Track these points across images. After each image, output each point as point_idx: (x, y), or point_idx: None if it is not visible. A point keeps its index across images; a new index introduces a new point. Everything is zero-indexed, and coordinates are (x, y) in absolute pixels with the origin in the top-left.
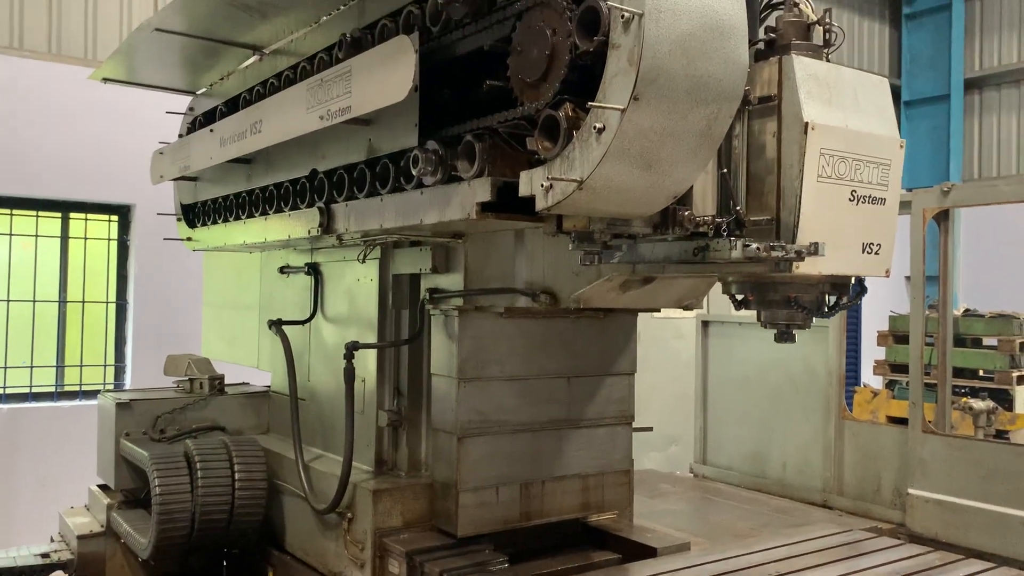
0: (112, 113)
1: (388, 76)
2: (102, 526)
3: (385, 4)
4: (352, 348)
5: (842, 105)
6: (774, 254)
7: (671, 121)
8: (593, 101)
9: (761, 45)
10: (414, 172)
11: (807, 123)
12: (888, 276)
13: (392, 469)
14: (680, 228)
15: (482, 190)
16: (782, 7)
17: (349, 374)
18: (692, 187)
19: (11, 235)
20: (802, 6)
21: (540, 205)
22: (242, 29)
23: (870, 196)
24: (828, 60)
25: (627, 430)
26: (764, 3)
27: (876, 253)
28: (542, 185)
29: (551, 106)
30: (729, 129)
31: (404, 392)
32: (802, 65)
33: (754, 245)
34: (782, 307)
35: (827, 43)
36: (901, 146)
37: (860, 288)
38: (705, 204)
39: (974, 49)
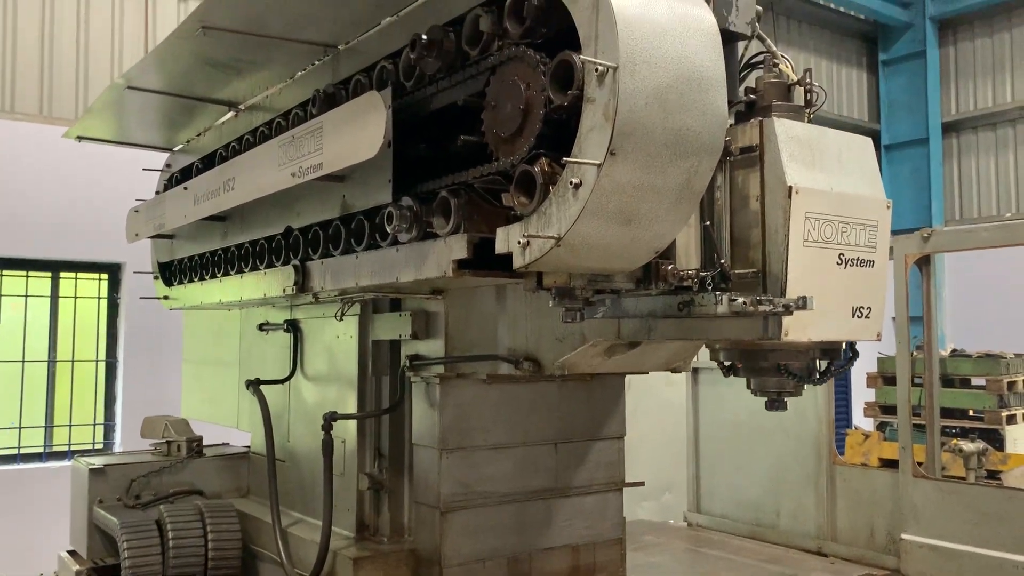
0: (101, 172)
1: (360, 132)
2: None
3: (358, 60)
4: (330, 419)
5: (826, 167)
6: (761, 308)
7: (650, 175)
8: (569, 156)
9: (742, 107)
10: (389, 229)
11: (791, 187)
12: (880, 339)
13: (374, 534)
14: (664, 283)
15: (458, 247)
16: (761, 66)
17: (327, 447)
18: (675, 240)
19: (0, 295)
20: (782, 66)
21: (518, 263)
22: (217, 86)
23: (858, 259)
24: (810, 120)
25: (618, 496)
26: (744, 62)
27: (867, 316)
28: (519, 242)
29: (527, 161)
30: (711, 181)
31: (386, 454)
32: (784, 127)
33: (740, 299)
34: (772, 375)
35: (808, 103)
36: (888, 207)
37: (852, 353)
38: (689, 257)
39: (950, 94)
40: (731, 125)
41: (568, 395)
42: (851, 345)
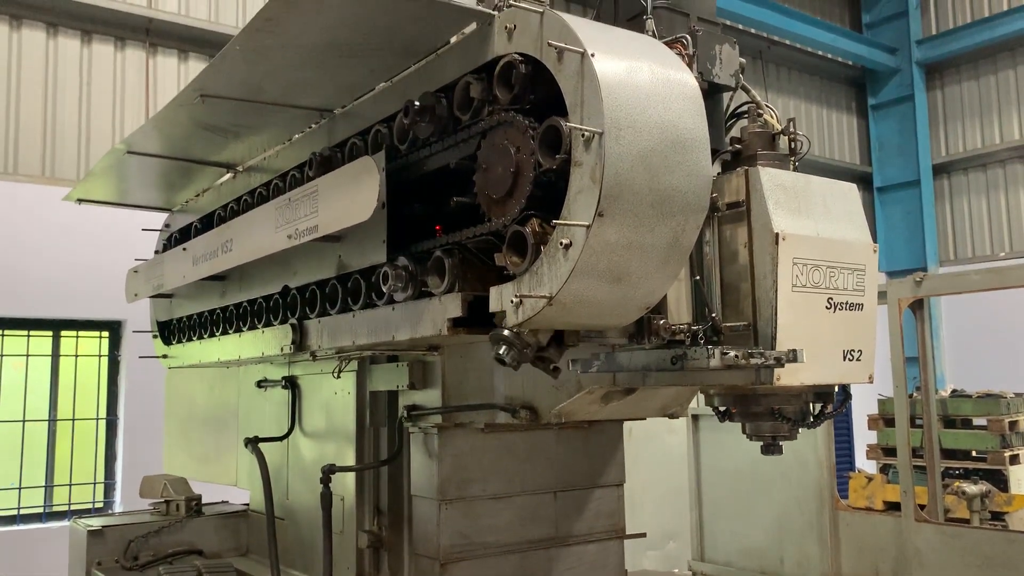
0: (102, 231)
1: (354, 195)
2: None
3: (353, 123)
4: (329, 471)
5: (812, 213)
6: (753, 361)
7: (638, 235)
8: (559, 218)
9: (728, 156)
10: (385, 288)
11: (777, 233)
12: (872, 382)
13: None
14: (656, 337)
15: (453, 306)
16: (746, 116)
17: (326, 500)
18: (666, 295)
19: (2, 355)
20: (767, 116)
21: (511, 321)
22: (215, 149)
23: (847, 302)
24: (795, 168)
25: (618, 545)
26: (729, 112)
27: (858, 359)
28: (512, 301)
29: (518, 222)
30: (700, 236)
31: (385, 511)
32: (769, 176)
33: (732, 353)
34: (766, 419)
35: (793, 152)
36: (874, 250)
37: (845, 395)
38: (680, 312)
39: (939, 136)
40: (717, 174)
41: (566, 443)
42: (844, 388)
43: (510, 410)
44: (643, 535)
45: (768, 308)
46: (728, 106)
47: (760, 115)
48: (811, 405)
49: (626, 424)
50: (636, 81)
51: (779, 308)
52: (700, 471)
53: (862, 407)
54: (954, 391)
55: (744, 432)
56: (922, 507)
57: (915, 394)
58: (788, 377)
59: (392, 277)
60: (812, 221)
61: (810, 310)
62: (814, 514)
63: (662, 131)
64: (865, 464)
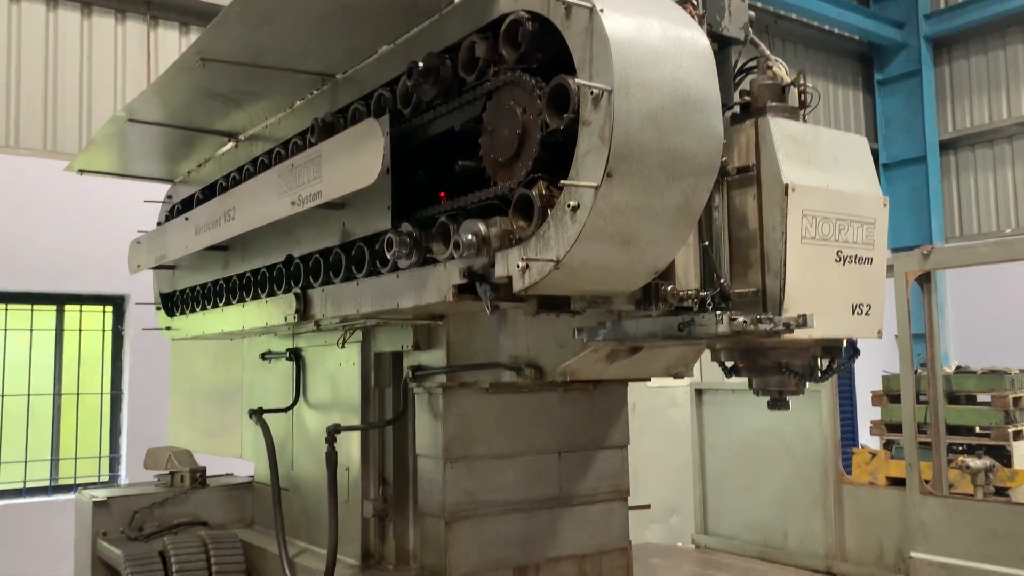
0: (105, 204)
1: (358, 160)
2: None
3: (356, 88)
4: (334, 431)
5: (821, 165)
6: (761, 327)
7: (647, 197)
8: (566, 179)
9: (736, 109)
10: (389, 255)
11: (787, 185)
12: (880, 337)
13: (380, 562)
14: (663, 303)
15: (457, 272)
16: (755, 71)
17: (331, 459)
18: (674, 261)
19: (6, 330)
20: (776, 68)
21: (517, 286)
22: (217, 117)
23: (856, 256)
24: (805, 121)
25: (623, 506)
26: (737, 68)
27: (867, 314)
28: (518, 266)
29: (524, 185)
30: (709, 200)
31: (390, 480)
32: (779, 127)
33: (740, 318)
34: (773, 373)
35: (803, 104)
36: (884, 204)
37: (852, 351)
38: (688, 278)
39: (946, 112)
40: (727, 128)
41: (570, 405)
42: (852, 343)
43: (515, 368)
44: (647, 506)
45: (777, 261)
46: (737, 61)
47: (770, 67)
48: (819, 360)
49: (630, 399)
50: (646, 38)
51: (788, 261)
52: (704, 445)
53: (865, 384)
54: (958, 367)
55: (750, 387)
56: (926, 482)
57: (920, 370)
58: (797, 330)
59: (396, 244)
60: (822, 173)
61: (819, 263)
62: (818, 488)
63: (673, 89)
64: (868, 441)
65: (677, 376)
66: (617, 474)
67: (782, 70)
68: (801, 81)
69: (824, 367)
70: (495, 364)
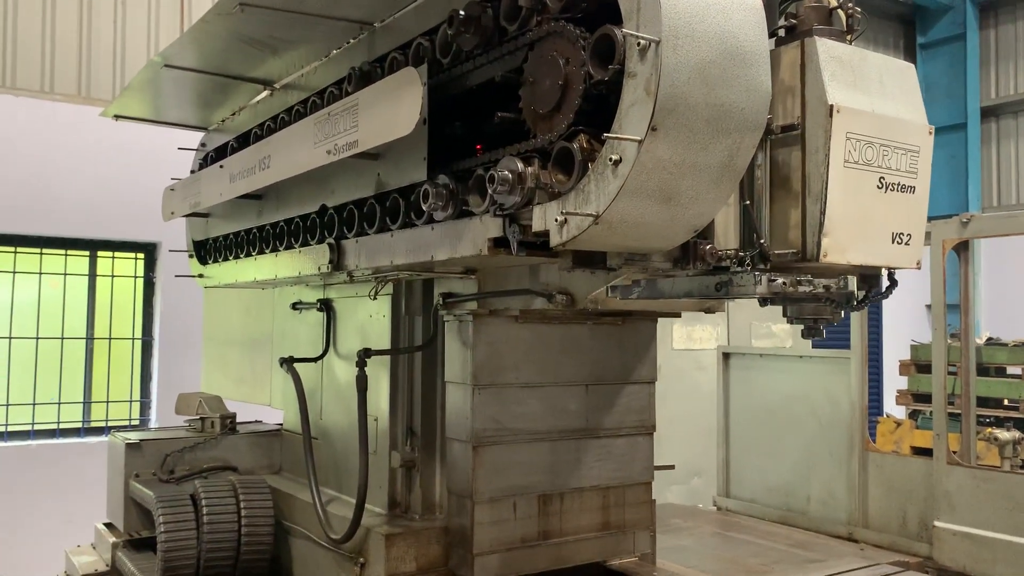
0: (138, 152)
1: (395, 109)
2: (107, 565)
3: (394, 37)
4: (364, 355)
5: (868, 89)
6: (801, 289)
7: (691, 152)
8: (609, 132)
9: (782, 32)
10: (424, 207)
11: (831, 106)
12: (919, 268)
13: (406, 512)
14: (701, 262)
15: (494, 225)
16: None
17: (361, 382)
18: (714, 220)
19: (40, 273)
20: None
21: (555, 240)
22: (253, 64)
23: (899, 184)
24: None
25: (648, 440)
26: None
27: (907, 244)
28: (556, 220)
29: (565, 138)
30: (752, 159)
31: (418, 432)
32: (825, 47)
33: (780, 280)
34: (809, 301)
35: (850, 28)
36: (930, 133)
37: (891, 282)
38: (727, 237)
39: (990, 77)
40: (771, 49)
41: (599, 338)
42: (891, 274)
43: (546, 295)
44: (672, 467)
45: (818, 184)
46: None
47: None
48: (855, 289)
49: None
50: None
51: (829, 183)
52: (729, 408)
53: (894, 352)
54: (989, 339)
55: (784, 315)
56: (954, 453)
57: (951, 340)
58: (835, 255)
59: (432, 195)
60: (867, 97)
61: (861, 188)
62: (843, 455)
63: (721, 42)
64: (893, 410)
65: (708, 311)
66: (643, 409)
67: None
68: (849, 4)
69: (861, 296)
70: (526, 291)
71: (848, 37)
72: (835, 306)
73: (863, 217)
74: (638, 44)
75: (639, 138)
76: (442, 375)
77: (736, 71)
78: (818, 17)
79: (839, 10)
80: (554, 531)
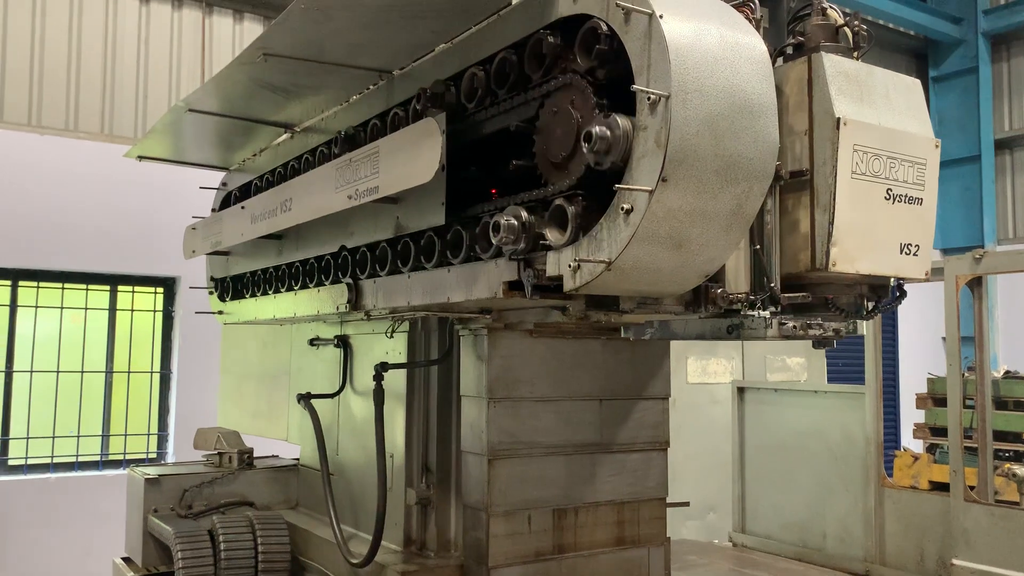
0: (159, 189)
1: (415, 157)
2: None
3: (413, 84)
4: (381, 369)
5: (874, 103)
6: (812, 332)
7: (701, 201)
8: (620, 183)
9: (789, 50)
10: (494, 240)
11: (839, 119)
12: (927, 278)
13: (421, 549)
14: (712, 306)
15: (509, 269)
16: (809, 16)
17: (378, 396)
18: (724, 264)
19: (62, 308)
20: (829, 11)
21: (568, 285)
22: (274, 108)
23: (906, 195)
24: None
25: (662, 456)
26: (791, 16)
27: (915, 254)
28: (570, 265)
29: (572, 188)
30: (761, 205)
31: (433, 469)
32: (832, 62)
33: (790, 323)
34: (819, 310)
35: (856, 45)
36: (936, 146)
37: (899, 292)
38: (738, 281)
39: (1003, 110)
40: (778, 66)
41: (613, 353)
42: (899, 285)
43: (560, 307)
44: (687, 504)
45: (826, 195)
46: (790, 8)
47: (824, 10)
48: (864, 299)
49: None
50: (704, 44)
51: (837, 195)
52: (744, 443)
53: (910, 386)
54: (1007, 372)
55: (793, 326)
56: (971, 488)
57: (967, 373)
58: (844, 264)
59: (504, 229)
60: (874, 110)
61: (869, 199)
62: (859, 490)
63: (730, 96)
64: (911, 444)
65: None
66: (657, 425)
67: (836, 12)
68: (855, 22)
69: (870, 307)
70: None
71: (855, 54)
72: (844, 316)
73: (871, 227)
74: (648, 98)
75: (650, 188)
76: (458, 413)
77: (744, 123)
78: (825, 34)
79: (845, 28)
80: (568, 545)
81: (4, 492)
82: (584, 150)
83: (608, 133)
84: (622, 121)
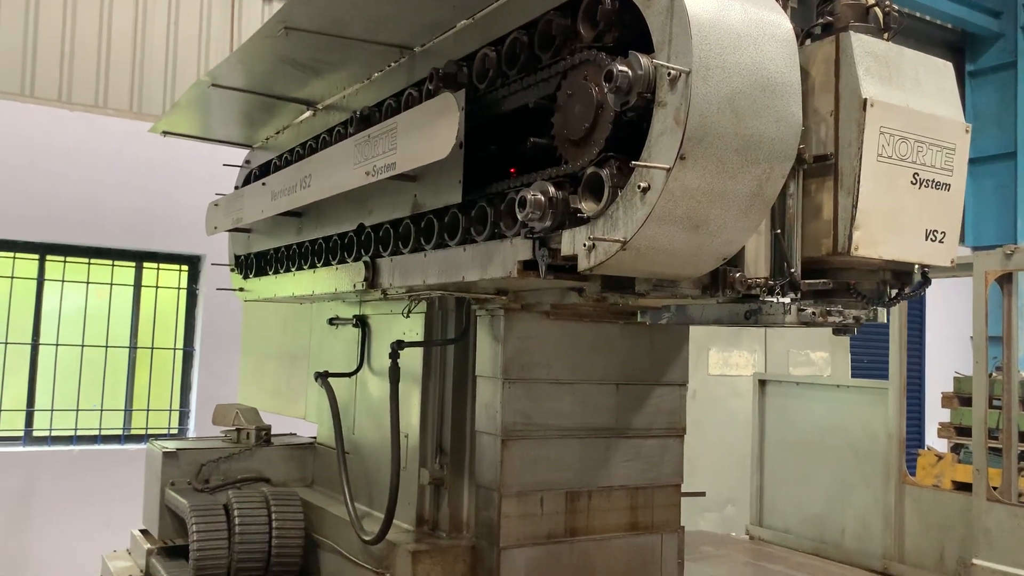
0: (185, 167)
1: (432, 134)
2: (142, 571)
3: (433, 61)
4: (397, 347)
5: (903, 85)
6: (831, 319)
7: (720, 181)
8: (638, 160)
9: (818, 30)
10: (521, 216)
11: (866, 99)
12: (953, 265)
13: (434, 529)
14: (730, 290)
15: (524, 248)
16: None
17: (394, 374)
18: (744, 248)
19: (88, 283)
20: None
21: (583, 265)
22: (296, 85)
23: (934, 181)
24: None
25: (678, 443)
26: None
27: (940, 241)
28: (585, 245)
29: (595, 164)
30: (783, 188)
31: (447, 450)
32: (860, 42)
33: (809, 310)
34: (839, 296)
35: (887, 26)
36: (967, 131)
37: (924, 279)
38: (758, 265)
39: None
40: (805, 46)
41: (631, 338)
42: (924, 271)
43: (577, 288)
44: (703, 494)
45: (851, 178)
46: None
47: None
48: (888, 286)
49: (690, 387)
50: (727, 20)
51: (862, 177)
52: (764, 436)
53: (936, 385)
54: None
55: (813, 312)
56: (994, 489)
57: (994, 373)
58: (866, 249)
59: (531, 204)
60: (902, 92)
61: (894, 183)
62: (880, 487)
63: (752, 73)
64: (935, 443)
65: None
66: (674, 411)
67: None
68: (887, 2)
69: (893, 294)
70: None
71: (885, 35)
72: (866, 301)
73: (896, 212)
74: (668, 74)
75: (667, 166)
76: (473, 395)
77: (766, 102)
78: (854, 14)
79: (876, 8)
80: (581, 528)
81: (29, 462)
82: (606, 90)
83: (629, 73)
84: (643, 59)
